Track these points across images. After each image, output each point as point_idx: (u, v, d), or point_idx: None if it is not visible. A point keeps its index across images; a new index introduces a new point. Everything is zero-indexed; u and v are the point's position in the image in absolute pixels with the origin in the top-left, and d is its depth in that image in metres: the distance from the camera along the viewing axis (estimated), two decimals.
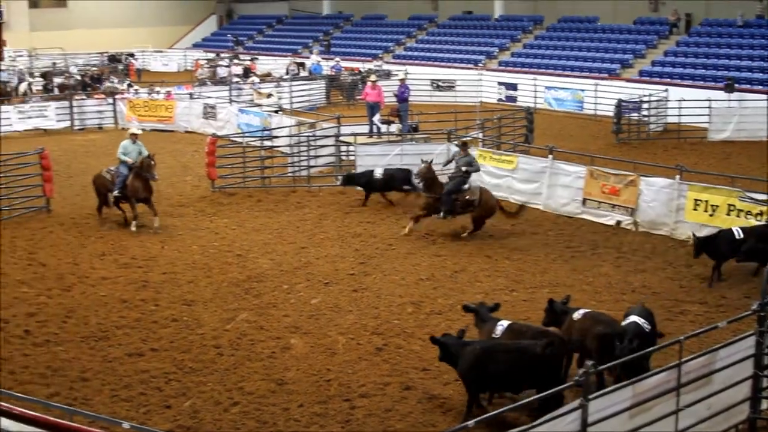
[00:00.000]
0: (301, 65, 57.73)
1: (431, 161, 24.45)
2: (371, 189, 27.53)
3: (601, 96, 44.62)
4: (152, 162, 24.66)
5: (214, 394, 14.52)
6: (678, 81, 45.78)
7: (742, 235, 19.91)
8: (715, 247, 20.10)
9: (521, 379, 13.24)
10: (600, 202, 25.09)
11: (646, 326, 14.11)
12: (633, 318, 14.31)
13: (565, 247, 22.99)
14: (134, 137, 25.26)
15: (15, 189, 26.85)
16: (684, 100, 39.20)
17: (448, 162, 24.72)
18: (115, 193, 24.80)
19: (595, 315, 14.80)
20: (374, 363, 15.73)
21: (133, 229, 24.46)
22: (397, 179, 27.37)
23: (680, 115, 39.15)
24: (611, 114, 39.31)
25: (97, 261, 21.90)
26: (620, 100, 38.95)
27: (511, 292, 19.47)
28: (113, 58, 67.54)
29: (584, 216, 25.41)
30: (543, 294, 19.09)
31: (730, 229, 20.34)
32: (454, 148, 25.69)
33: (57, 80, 51.03)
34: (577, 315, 14.65)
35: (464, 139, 25.85)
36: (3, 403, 9.58)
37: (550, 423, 10.01)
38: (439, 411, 13.86)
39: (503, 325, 14.13)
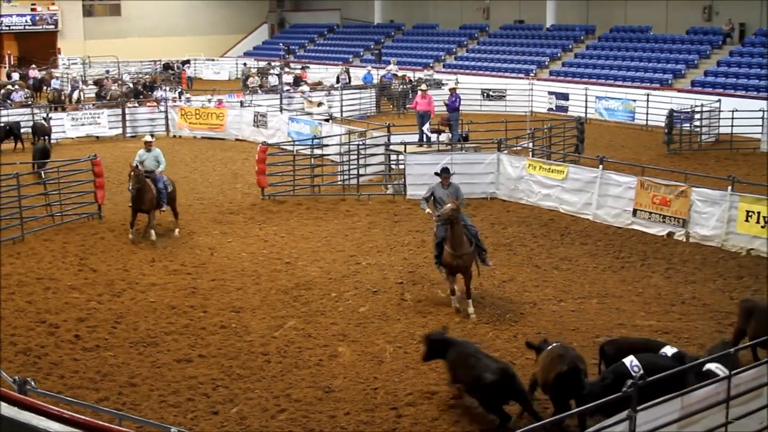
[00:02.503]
0: (346, 72, 58.05)
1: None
2: None
3: (652, 106, 44.28)
4: (131, 173, 24.25)
5: (262, 401, 14.57)
6: (731, 91, 45.35)
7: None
8: None
9: None
10: (651, 213, 24.91)
11: (636, 370, 12.42)
12: (628, 359, 12.89)
13: (615, 258, 22.85)
14: (148, 145, 25.52)
15: (67, 195, 27.14)
16: (737, 111, 38.88)
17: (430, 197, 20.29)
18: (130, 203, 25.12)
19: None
20: (421, 372, 15.69)
21: (130, 235, 24.54)
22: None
23: (733, 126, 38.81)
24: (663, 124, 39.00)
25: (147, 267, 22.06)
26: (672, 111, 38.67)
27: (559, 302, 19.37)
28: (167, 66, 68.08)
29: (634, 227, 25.21)
30: (592, 305, 19.04)
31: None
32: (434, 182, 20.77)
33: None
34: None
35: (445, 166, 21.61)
36: (53, 407, 9.66)
37: None
38: (486, 421, 13.79)
39: (551, 346, 13.76)
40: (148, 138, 26.41)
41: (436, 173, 20.59)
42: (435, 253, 19.28)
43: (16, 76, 59.95)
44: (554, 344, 13.53)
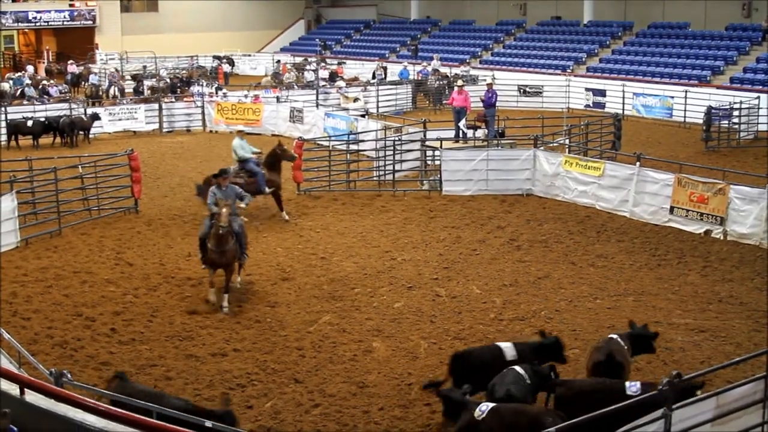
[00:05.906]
0: (384, 68, 58.02)
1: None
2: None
3: (690, 103, 43.95)
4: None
5: (296, 396, 14.60)
6: None
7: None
8: None
9: None
10: (688, 211, 24.72)
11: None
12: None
13: (651, 255, 22.71)
14: (241, 134, 27.11)
15: (104, 189, 27.30)
16: None
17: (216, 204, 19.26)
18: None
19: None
20: None
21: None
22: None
23: None
24: (701, 121, 38.76)
25: (183, 261, 22.14)
26: (710, 107, 38.40)
27: (594, 299, 19.29)
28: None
29: (671, 224, 25.04)
30: (628, 302, 18.95)
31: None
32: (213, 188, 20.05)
33: (147, 83, 51.82)
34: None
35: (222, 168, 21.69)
36: (89, 400, 9.72)
37: None
38: None
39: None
40: (241, 126, 27.42)
41: (214, 175, 20.98)
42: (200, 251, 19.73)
43: (30, 68, 60.54)
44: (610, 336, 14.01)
